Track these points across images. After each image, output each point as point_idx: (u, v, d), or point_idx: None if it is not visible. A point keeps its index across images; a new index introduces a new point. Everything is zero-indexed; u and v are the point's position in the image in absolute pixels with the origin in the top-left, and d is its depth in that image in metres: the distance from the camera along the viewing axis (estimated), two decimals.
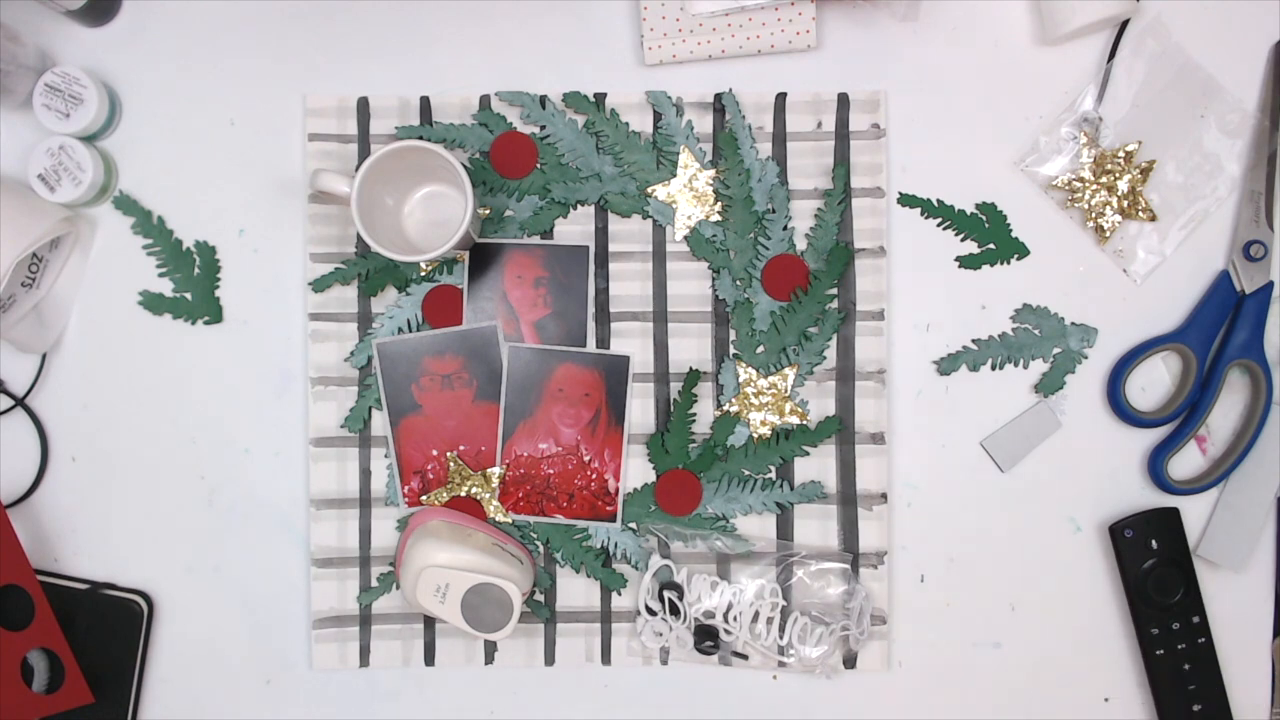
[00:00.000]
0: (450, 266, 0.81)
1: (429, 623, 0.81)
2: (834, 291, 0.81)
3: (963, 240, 0.81)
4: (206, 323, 0.81)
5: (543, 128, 0.81)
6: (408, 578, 0.76)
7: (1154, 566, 0.79)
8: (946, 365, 0.81)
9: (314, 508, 0.81)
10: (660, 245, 0.81)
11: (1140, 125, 0.80)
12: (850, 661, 0.81)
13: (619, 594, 0.81)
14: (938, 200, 0.81)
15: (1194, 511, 0.81)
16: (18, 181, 0.80)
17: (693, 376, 0.81)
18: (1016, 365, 0.81)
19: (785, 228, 0.81)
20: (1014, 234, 0.81)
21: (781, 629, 0.80)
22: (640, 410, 0.81)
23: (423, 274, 0.81)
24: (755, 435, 0.81)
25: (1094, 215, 0.80)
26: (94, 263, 0.82)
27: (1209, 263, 0.81)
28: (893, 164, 0.81)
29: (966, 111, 0.81)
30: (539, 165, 0.81)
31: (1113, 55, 0.80)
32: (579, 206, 0.81)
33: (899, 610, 0.81)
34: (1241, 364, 0.79)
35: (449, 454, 0.81)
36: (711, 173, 0.81)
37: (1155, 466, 0.80)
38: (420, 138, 0.80)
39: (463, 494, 0.81)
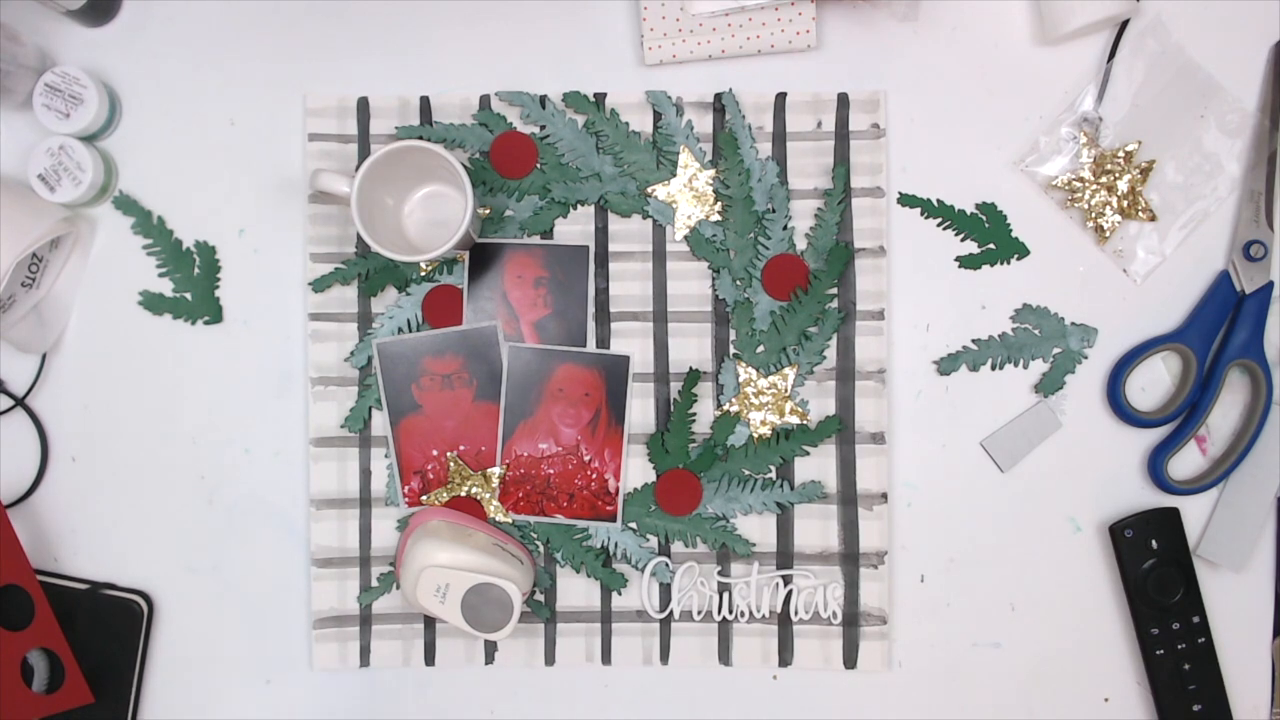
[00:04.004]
0: (450, 266, 0.81)
1: (429, 623, 0.81)
2: (834, 291, 0.81)
3: (963, 240, 0.81)
4: (206, 323, 0.81)
5: (543, 128, 0.81)
6: (408, 578, 0.76)
7: (1154, 566, 0.79)
8: (946, 365, 0.81)
9: (314, 508, 0.81)
10: (660, 245, 0.81)
11: (1140, 125, 0.80)
12: (851, 661, 0.81)
13: (619, 594, 0.81)
14: (938, 200, 0.81)
15: (1194, 511, 0.81)
16: (18, 181, 0.80)
17: (693, 376, 0.80)
18: (1016, 365, 0.81)
19: (785, 228, 0.81)
20: (1014, 234, 0.81)
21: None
22: (640, 410, 0.81)
23: (423, 274, 0.81)
24: (755, 435, 0.81)
25: (1094, 215, 0.80)
26: (94, 263, 0.82)
27: (1209, 263, 0.81)
28: (893, 164, 0.81)
29: (966, 111, 0.81)
30: (539, 165, 0.81)
31: (1113, 55, 0.80)
32: (579, 206, 0.81)
33: (899, 610, 0.81)
34: (1241, 364, 0.79)
35: (449, 454, 0.81)
36: (711, 173, 0.81)
37: (1155, 466, 0.80)
38: (420, 138, 0.80)
39: (463, 494, 0.81)
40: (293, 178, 0.82)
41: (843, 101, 0.81)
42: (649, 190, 0.81)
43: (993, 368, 0.81)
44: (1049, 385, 0.81)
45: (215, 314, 0.81)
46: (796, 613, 0.81)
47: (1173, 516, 0.79)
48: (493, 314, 0.81)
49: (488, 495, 0.81)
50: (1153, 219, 0.80)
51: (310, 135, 0.81)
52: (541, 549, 0.81)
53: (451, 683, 0.82)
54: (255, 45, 0.82)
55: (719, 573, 0.81)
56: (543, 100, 0.81)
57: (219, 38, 0.82)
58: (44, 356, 0.81)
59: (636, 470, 0.81)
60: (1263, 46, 0.81)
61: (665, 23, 0.80)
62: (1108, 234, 0.80)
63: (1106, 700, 0.81)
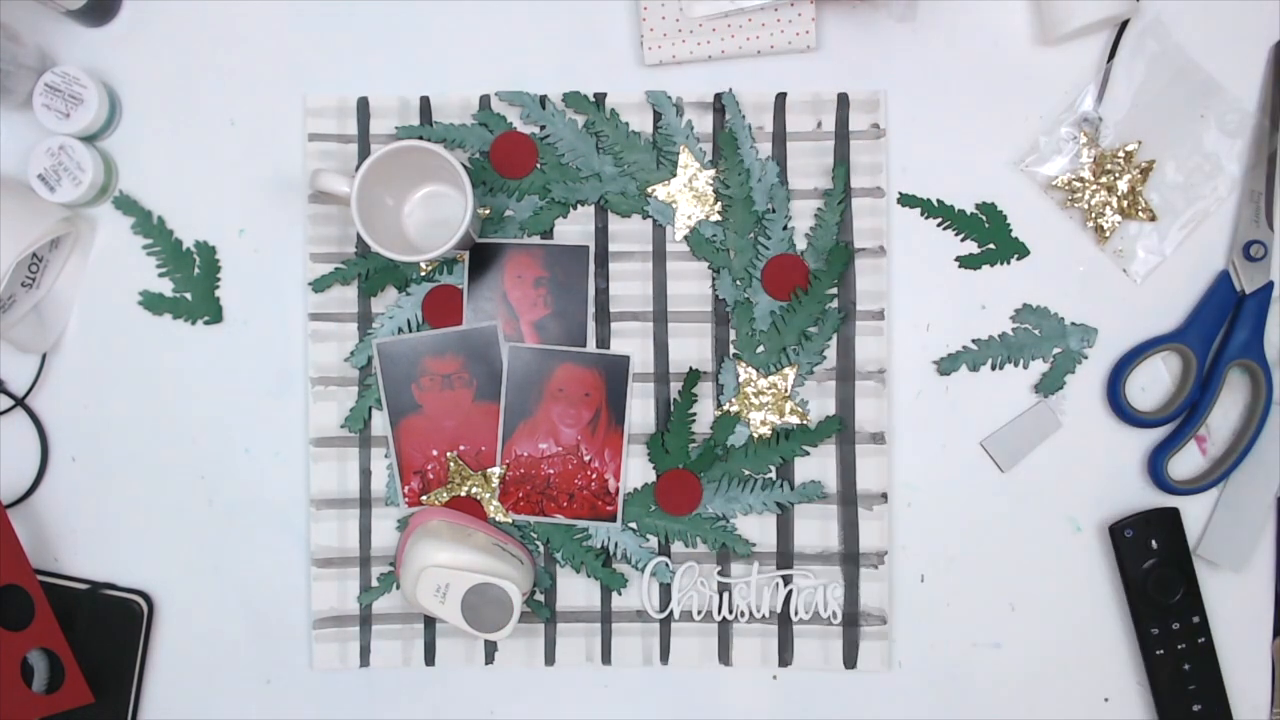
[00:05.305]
0: (450, 266, 0.81)
1: (429, 623, 0.81)
2: (834, 291, 0.81)
3: (963, 240, 0.81)
4: (206, 323, 0.81)
5: (543, 128, 0.81)
6: (408, 578, 0.76)
7: (1154, 566, 0.79)
8: (946, 365, 0.81)
9: (314, 508, 0.81)
10: (660, 245, 0.81)
11: (1140, 125, 0.80)
12: (850, 661, 0.81)
13: (619, 594, 0.81)
14: (938, 200, 0.81)
15: (1194, 511, 0.81)
16: (18, 181, 0.80)
17: (693, 376, 0.80)
18: (1016, 365, 0.81)
19: (785, 228, 0.81)
20: (1014, 234, 0.81)
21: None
22: (640, 410, 0.81)
23: (423, 274, 0.81)
24: (755, 435, 0.81)
25: (1094, 215, 0.80)
26: (94, 263, 0.82)
27: (1209, 263, 0.81)
28: (893, 164, 0.81)
29: (966, 111, 0.81)
30: (539, 165, 0.81)
31: (1113, 55, 0.80)
32: (579, 206, 0.81)
33: (899, 610, 0.81)
34: (1241, 364, 0.79)
35: (449, 454, 0.81)
36: (711, 173, 0.81)
37: (1155, 466, 0.80)
38: (420, 138, 0.80)
39: (463, 494, 0.81)
40: (293, 178, 0.82)
41: (842, 101, 0.81)
42: (649, 190, 0.81)
43: (993, 368, 0.81)
44: (1049, 385, 0.81)
45: (215, 314, 0.81)
46: (796, 613, 0.81)
47: (1173, 516, 0.79)
48: (493, 314, 0.81)
49: (488, 495, 0.81)
50: (1153, 219, 0.80)
51: (310, 135, 0.81)
52: (541, 549, 0.81)
53: (451, 683, 0.82)
54: (255, 45, 0.82)
55: (719, 573, 0.81)
56: (543, 100, 0.81)
57: (219, 38, 0.82)
58: (44, 356, 0.81)
59: (636, 470, 0.81)
60: (1263, 46, 0.81)
61: (665, 23, 0.80)
62: (1108, 234, 0.80)
63: (1106, 700, 0.81)
